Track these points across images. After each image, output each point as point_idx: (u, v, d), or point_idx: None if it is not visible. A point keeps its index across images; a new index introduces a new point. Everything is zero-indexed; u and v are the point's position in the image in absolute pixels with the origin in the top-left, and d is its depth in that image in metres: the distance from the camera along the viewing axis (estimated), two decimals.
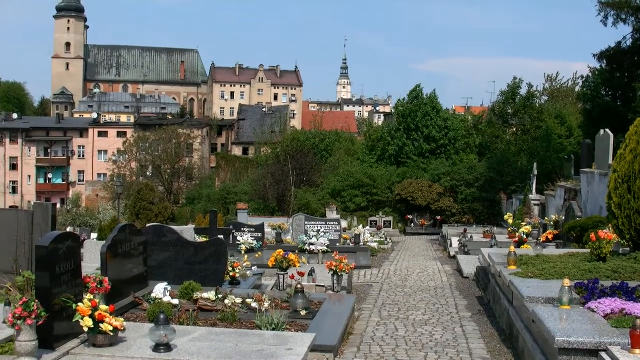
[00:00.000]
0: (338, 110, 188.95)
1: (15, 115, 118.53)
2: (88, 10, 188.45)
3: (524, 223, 27.87)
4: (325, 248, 25.56)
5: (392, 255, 30.71)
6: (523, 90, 67.12)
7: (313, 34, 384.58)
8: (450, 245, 31.74)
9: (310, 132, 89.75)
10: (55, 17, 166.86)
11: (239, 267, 16.06)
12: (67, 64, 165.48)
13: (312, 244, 26.15)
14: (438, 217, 52.58)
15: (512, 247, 15.07)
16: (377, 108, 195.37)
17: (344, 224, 38.36)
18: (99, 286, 9.82)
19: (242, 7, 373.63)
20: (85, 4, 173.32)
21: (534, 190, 38.26)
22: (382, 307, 15.82)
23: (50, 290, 8.39)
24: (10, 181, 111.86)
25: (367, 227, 41.92)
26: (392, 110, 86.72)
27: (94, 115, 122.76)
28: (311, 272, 16.86)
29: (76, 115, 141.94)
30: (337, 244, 28.54)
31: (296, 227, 30.99)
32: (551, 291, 10.70)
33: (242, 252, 23.91)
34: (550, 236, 23.89)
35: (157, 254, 14.52)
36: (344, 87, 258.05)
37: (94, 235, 46.50)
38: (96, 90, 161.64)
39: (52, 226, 14.61)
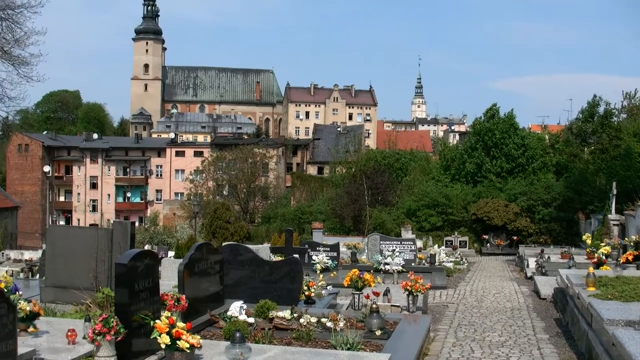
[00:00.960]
0: (413, 129, 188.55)
1: (95, 136, 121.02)
2: (166, 32, 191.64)
3: (603, 244, 27.28)
4: (401, 268, 25.42)
5: (468, 275, 30.41)
6: (601, 109, 65.96)
7: (388, 53, 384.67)
8: (527, 266, 31.28)
9: (386, 151, 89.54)
10: (134, 39, 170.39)
11: (315, 286, 16.08)
12: (146, 85, 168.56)
13: (387, 263, 26.03)
14: (515, 238, 51.79)
15: (591, 269, 14.80)
16: (452, 127, 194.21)
17: (419, 243, 38.09)
18: (176, 304, 9.94)
19: (317, 28, 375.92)
20: (163, 27, 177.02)
21: (613, 211, 37.47)
22: (458, 328, 15.66)
23: (129, 307, 8.52)
24: (90, 200, 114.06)
25: (443, 247, 41.54)
26: (468, 129, 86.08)
27: (172, 135, 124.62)
28: (386, 292, 16.79)
29: (154, 136, 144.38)
30: (413, 264, 28.34)
31: (371, 246, 30.86)
32: (632, 314, 10.47)
33: (318, 271, 23.93)
34: (630, 257, 23.32)
35: (233, 272, 14.62)
36: (418, 107, 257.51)
37: (171, 253, 47.04)
38: (174, 110, 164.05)
39: (131, 244, 14.80)
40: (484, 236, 53.00)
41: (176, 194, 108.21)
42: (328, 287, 17.78)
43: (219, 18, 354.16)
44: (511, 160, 62.62)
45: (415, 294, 16.03)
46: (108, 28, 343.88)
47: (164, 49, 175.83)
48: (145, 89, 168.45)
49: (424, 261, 29.98)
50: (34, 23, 46.67)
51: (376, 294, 15.41)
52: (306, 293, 15.43)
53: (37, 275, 32.35)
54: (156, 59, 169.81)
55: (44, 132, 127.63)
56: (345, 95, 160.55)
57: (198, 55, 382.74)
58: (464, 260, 37.85)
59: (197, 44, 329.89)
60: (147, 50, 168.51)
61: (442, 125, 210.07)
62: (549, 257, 30.85)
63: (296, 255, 18.63)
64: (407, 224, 49.90)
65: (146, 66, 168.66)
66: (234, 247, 16.10)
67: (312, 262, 26.24)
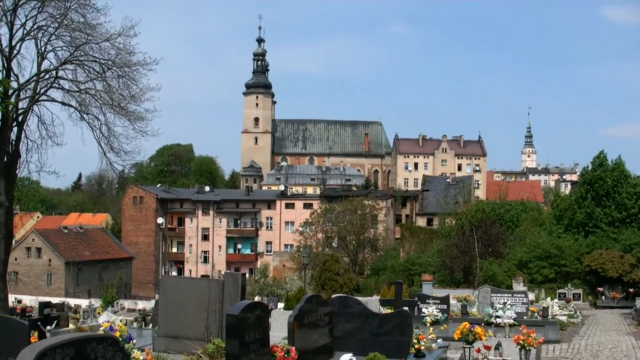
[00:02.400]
0: (523, 179, 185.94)
1: (207, 188, 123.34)
2: (275, 86, 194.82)
3: None
4: (512, 321, 25.00)
5: (582, 329, 29.61)
6: None
7: (496, 103, 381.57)
8: None
9: (496, 202, 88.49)
10: (245, 94, 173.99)
11: (424, 339, 15.93)
12: (256, 138, 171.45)
13: (498, 316, 25.65)
14: (631, 290, 50.22)
15: None
16: (564, 176, 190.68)
17: (531, 296, 37.40)
18: (286, 355, 9.99)
19: (425, 79, 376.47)
20: (272, 81, 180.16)
21: None
22: None
23: (239, 357, 8.61)
24: (202, 251, 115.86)
25: (556, 300, 40.66)
26: (579, 179, 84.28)
27: (282, 187, 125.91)
28: (498, 346, 16.51)
29: (264, 188, 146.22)
30: (525, 317, 27.82)
31: (482, 299, 30.47)
32: None
33: (428, 324, 23.71)
34: None
35: (343, 324, 14.61)
36: (529, 156, 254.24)
37: (281, 305, 47.36)
38: (283, 163, 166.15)
39: (241, 296, 14.96)
40: (599, 288, 51.54)
41: (286, 245, 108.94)
42: (438, 341, 17.57)
43: (327, 72, 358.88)
44: (623, 209, 60.94)
45: (527, 348, 15.72)
46: (219, 83, 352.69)
47: (274, 103, 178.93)
48: (256, 142, 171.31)
49: (536, 314, 29.40)
50: (149, 80, 48.22)
51: (487, 348, 15.17)
52: (416, 346, 15.29)
53: (150, 325, 32.98)
54: (266, 112, 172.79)
55: (158, 185, 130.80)
56: (454, 146, 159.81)
57: (307, 108, 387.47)
58: (577, 313, 36.92)
59: (306, 97, 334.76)
60: (257, 104, 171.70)
61: (553, 175, 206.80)
62: None
63: (406, 308, 18.57)
64: (518, 276, 49.10)
65: (256, 119, 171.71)
66: (344, 299, 16.10)
67: (422, 314, 26.06)
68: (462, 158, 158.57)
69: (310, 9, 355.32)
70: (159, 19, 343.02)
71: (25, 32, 35.40)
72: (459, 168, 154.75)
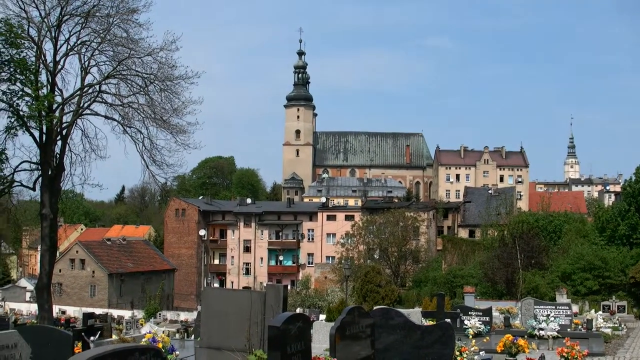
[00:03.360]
0: (566, 190, 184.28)
1: (249, 201, 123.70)
2: (316, 99, 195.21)
3: None
4: (556, 334, 24.78)
5: (627, 342, 29.27)
6: None
7: (538, 113, 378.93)
8: None
9: (538, 213, 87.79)
10: (286, 106, 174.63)
11: (467, 351, 15.85)
12: (298, 151, 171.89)
13: (541, 329, 25.43)
14: None
15: None
16: (607, 187, 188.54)
17: (574, 308, 37.03)
18: None
19: (466, 90, 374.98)
20: (313, 93, 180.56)
21: None
22: None
23: None
24: (244, 263, 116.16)
25: (600, 312, 40.26)
26: (622, 190, 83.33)
27: (323, 199, 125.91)
28: (541, 359, 16.37)
29: (306, 200, 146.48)
30: (568, 330, 27.56)
31: (525, 311, 30.23)
32: None
33: (470, 336, 23.57)
34: None
35: (385, 336, 14.57)
36: (571, 167, 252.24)
37: (322, 316, 47.41)
38: (325, 175, 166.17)
39: (283, 307, 14.99)
40: None
41: (327, 257, 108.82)
42: (481, 353, 17.47)
43: (368, 85, 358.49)
44: None
45: None
46: (261, 96, 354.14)
47: (315, 115, 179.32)
48: (297, 154, 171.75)
49: (580, 327, 29.12)
50: (190, 93, 48.51)
51: None
52: (458, 359, 15.22)
53: (192, 336, 33.18)
54: (307, 124, 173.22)
55: (200, 197, 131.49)
56: (495, 157, 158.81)
57: (347, 120, 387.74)
58: (622, 325, 36.53)
59: (347, 109, 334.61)
60: (298, 117, 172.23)
61: (596, 186, 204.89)
62: None
63: (448, 320, 18.45)
64: (562, 287, 48.69)
65: (297, 132, 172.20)
66: (385, 311, 16.07)
67: (464, 326, 25.91)
68: (504, 169, 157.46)
69: (350, 22, 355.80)
70: (200, 32, 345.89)
71: (69, 47, 35.93)
72: (501, 179, 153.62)
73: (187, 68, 36.93)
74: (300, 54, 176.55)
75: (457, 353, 15.20)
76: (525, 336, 22.71)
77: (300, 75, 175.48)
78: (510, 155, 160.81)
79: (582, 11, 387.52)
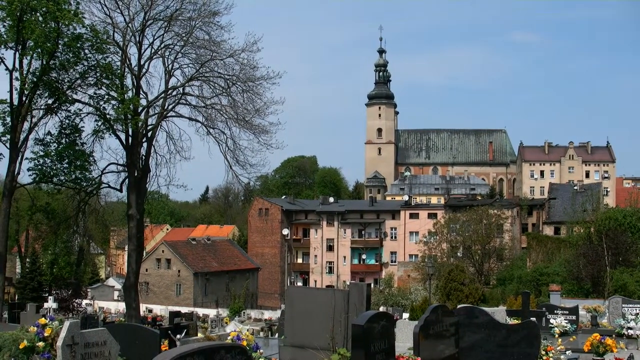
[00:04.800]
0: None
1: (331, 199, 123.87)
2: (397, 97, 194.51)
3: None
4: None
5: None
6: None
7: (624, 107, 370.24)
8: None
9: (626, 209, 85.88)
10: (367, 105, 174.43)
11: (553, 351, 15.65)
12: (379, 149, 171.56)
13: (630, 328, 24.91)
14: None
15: None
16: None
17: None
18: None
19: (550, 85, 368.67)
20: (394, 91, 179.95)
21: None
22: None
23: None
24: (327, 262, 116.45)
25: None
26: None
27: (405, 197, 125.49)
28: (630, 359, 16.05)
29: (388, 198, 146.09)
30: None
31: (613, 310, 29.67)
32: None
33: (556, 335, 23.28)
34: None
35: (469, 335, 14.49)
36: None
37: (405, 315, 47.30)
38: (407, 173, 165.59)
39: (366, 306, 15.00)
40: None
41: (410, 255, 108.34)
42: (567, 352, 17.21)
43: (449, 80, 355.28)
44: None
45: None
46: (342, 95, 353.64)
47: (396, 113, 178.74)
48: (379, 152, 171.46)
49: None
50: (272, 93, 49.14)
51: None
52: (544, 358, 15.03)
53: (277, 335, 33.43)
54: (389, 122, 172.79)
55: (283, 197, 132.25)
56: (581, 153, 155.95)
57: (429, 117, 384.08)
58: None
59: (428, 106, 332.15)
60: (379, 115, 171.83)
61: None
62: None
63: (533, 319, 18.21)
64: None
65: (379, 130, 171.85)
66: (469, 309, 15.97)
67: (550, 325, 25.56)
68: (589, 165, 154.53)
69: (431, 19, 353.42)
70: (281, 33, 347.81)
71: (153, 51, 36.64)
72: (587, 175, 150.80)
73: (268, 69, 37.29)
74: (381, 52, 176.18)
75: (543, 352, 15.00)
76: (613, 335, 22.27)
77: (381, 73, 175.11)
78: (596, 150, 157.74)
79: None
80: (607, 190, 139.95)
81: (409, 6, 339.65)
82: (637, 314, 26.75)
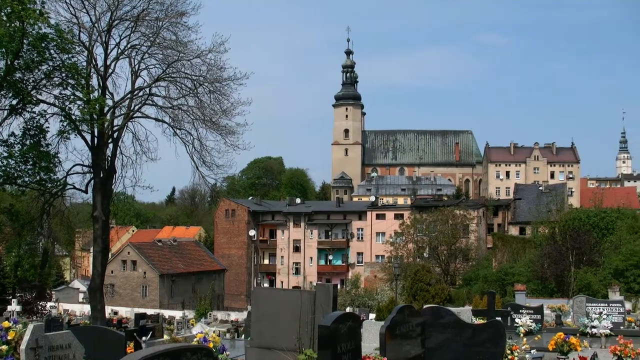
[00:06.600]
0: (618, 186, 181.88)
1: (298, 200, 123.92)
2: (364, 98, 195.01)
3: None
4: (609, 332, 24.50)
5: None
6: None
7: (589, 108, 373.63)
8: None
9: (590, 210, 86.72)
10: (334, 106, 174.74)
11: (518, 350, 15.77)
12: (346, 150, 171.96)
13: (594, 327, 25.17)
14: None
15: None
16: None
17: (628, 305, 36.58)
18: None
19: (515, 87, 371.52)
20: (361, 92, 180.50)
21: None
22: None
23: None
24: (293, 263, 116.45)
25: None
26: None
27: (372, 198, 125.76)
28: (594, 357, 16.22)
29: (355, 199, 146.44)
30: (622, 327, 27.22)
31: (577, 309, 29.94)
32: None
33: (521, 334, 23.47)
34: None
35: (435, 335, 14.56)
36: (623, 162, 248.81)
37: (372, 315, 47.42)
38: (374, 174, 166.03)
39: (333, 307, 15.03)
40: None
41: (377, 256, 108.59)
42: (532, 351, 17.35)
43: (417, 82, 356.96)
44: None
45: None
46: (309, 96, 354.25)
47: (363, 114, 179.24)
48: (346, 153, 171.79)
49: (633, 324, 28.79)
50: (239, 94, 49.28)
51: (583, 359, 14.92)
52: (509, 357, 15.16)
53: (243, 336, 33.38)
54: (356, 123, 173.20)
55: (250, 198, 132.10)
56: (546, 153, 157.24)
57: (396, 118, 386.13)
58: None
59: (396, 107, 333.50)
60: (347, 116, 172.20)
61: None
62: None
63: (499, 318, 18.37)
64: (614, 284, 48.05)
65: (346, 131, 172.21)
66: (435, 309, 16.06)
67: (515, 325, 25.77)
68: (554, 165, 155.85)
69: (398, 20, 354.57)
70: (248, 34, 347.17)
71: (119, 51, 36.46)
72: (552, 176, 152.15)
73: (235, 69, 37.25)
74: (348, 53, 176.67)
75: (508, 351, 15.12)
76: (577, 334, 22.48)
77: (348, 74, 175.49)
78: (561, 151, 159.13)
79: (632, 5, 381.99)
80: (571, 191, 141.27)
81: (378, 8, 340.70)
82: (601, 313, 26.99)
